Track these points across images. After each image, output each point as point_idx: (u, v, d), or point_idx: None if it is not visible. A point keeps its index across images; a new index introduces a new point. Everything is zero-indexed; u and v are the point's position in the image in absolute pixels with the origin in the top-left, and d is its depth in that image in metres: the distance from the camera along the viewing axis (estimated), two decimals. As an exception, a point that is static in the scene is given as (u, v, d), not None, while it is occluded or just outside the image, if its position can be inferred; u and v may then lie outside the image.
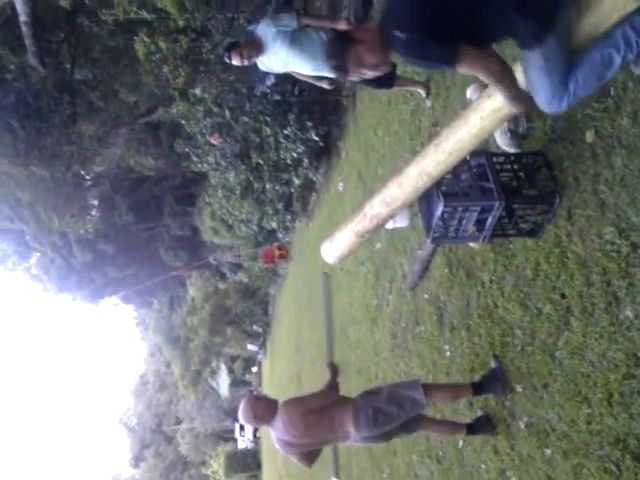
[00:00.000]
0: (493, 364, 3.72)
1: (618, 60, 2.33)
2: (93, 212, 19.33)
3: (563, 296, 3.08)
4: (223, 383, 25.82)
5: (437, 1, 2.19)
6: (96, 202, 19.37)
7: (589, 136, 2.91)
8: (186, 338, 24.33)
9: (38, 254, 22.15)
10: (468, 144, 2.81)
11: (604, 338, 2.74)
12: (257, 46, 4.68)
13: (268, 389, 24.97)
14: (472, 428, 3.81)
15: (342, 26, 4.63)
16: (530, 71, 2.34)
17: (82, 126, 13.37)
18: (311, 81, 5.17)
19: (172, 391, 35.08)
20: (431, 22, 2.17)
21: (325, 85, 5.12)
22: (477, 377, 3.87)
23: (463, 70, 2.30)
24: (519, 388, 3.45)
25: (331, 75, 4.51)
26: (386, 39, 2.33)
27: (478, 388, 3.71)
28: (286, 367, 17.58)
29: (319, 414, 3.63)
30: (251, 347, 24.01)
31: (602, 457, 2.70)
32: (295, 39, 4.67)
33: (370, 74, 2.48)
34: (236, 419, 28.12)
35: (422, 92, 5.46)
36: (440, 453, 4.66)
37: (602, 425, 2.72)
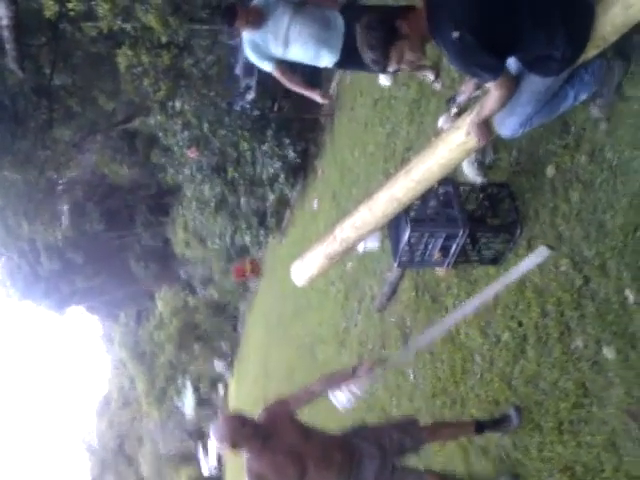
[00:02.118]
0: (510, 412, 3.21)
1: (571, 97, 2.48)
2: (63, 219, 19.07)
3: (520, 324, 3.16)
4: (188, 402, 25.32)
5: (494, 11, 2.21)
6: (67, 208, 19.12)
7: (550, 170, 3.02)
8: (152, 353, 23.90)
9: (3, 259, 21.76)
10: (436, 173, 2.90)
11: (556, 367, 2.82)
12: (257, 14, 4.01)
13: (234, 408, 24.63)
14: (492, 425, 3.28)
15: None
16: (524, 94, 2.42)
17: (58, 131, 13.26)
18: (302, 91, 4.62)
19: (135, 408, 34.26)
20: (486, 29, 2.19)
21: (317, 97, 4.66)
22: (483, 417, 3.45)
23: (496, 83, 2.33)
24: (477, 415, 3.51)
25: (329, 65, 4.16)
26: (434, 33, 2.27)
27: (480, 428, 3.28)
28: (252, 388, 17.42)
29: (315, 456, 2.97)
30: (218, 366, 23.70)
31: (552, 484, 2.77)
32: (298, 11, 4.04)
33: (405, 69, 2.42)
34: (199, 439, 27.61)
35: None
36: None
37: (552, 453, 2.79)
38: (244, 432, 2.88)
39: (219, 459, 25.70)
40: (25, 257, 19.82)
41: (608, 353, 2.52)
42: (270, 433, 2.95)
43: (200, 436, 26.53)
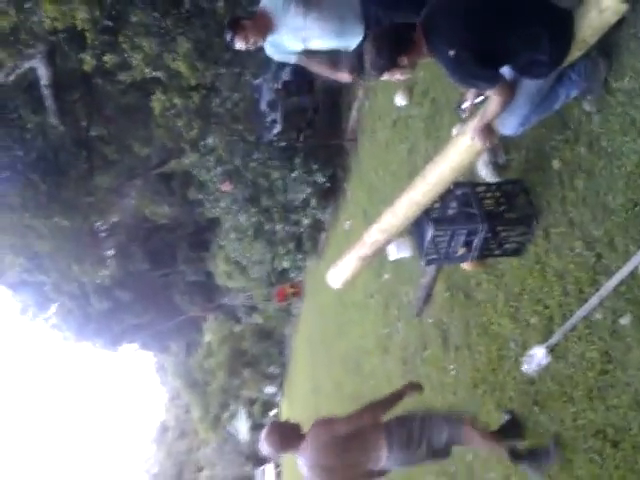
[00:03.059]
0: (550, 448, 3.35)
1: (563, 95, 2.79)
2: (109, 261, 19.87)
3: (546, 307, 3.43)
4: (242, 427, 25.77)
5: (482, 27, 2.54)
6: (112, 251, 19.93)
7: (555, 164, 3.31)
8: (204, 381, 24.48)
9: (57, 304, 22.64)
10: (449, 175, 3.23)
11: (582, 340, 3.08)
12: (266, 23, 3.73)
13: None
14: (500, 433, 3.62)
15: None
16: (520, 96, 2.75)
17: (99, 179, 14.02)
18: (328, 74, 4.37)
19: (192, 437, 34.93)
20: (478, 43, 2.52)
21: (345, 76, 4.23)
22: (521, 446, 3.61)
23: (493, 92, 2.65)
24: (514, 396, 3.75)
25: (354, 45, 3.89)
26: (433, 52, 2.60)
27: (516, 456, 3.48)
28: (304, 407, 17.68)
29: (351, 436, 3.37)
30: (269, 389, 24.10)
31: (587, 449, 3.00)
32: (311, 9, 3.76)
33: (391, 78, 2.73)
34: (258, 463, 27.88)
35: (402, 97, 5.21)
36: (453, 469, 4.90)
37: (585, 420, 3.03)
38: (284, 429, 3.45)
39: (277, 477, 25.86)
40: (76, 300, 20.63)
41: (624, 321, 2.78)
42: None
43: (257, 459, 26.78)
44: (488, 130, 2.83)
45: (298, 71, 10.48)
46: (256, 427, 26.01)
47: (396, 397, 3.62)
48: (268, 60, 9.67)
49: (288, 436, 3.45)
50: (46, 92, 9.73)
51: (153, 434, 45.27)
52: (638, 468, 2.62)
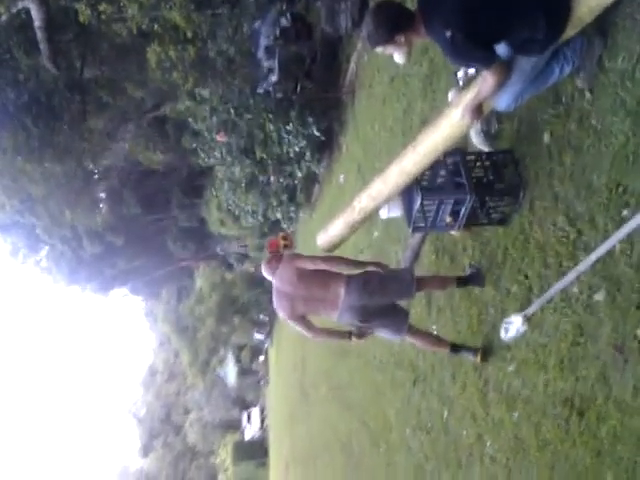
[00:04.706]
0: (471, 269, 4.18)
1: (557, 72, 2.80)
2: (102, 205, 19.83)
3: (526, 277, 3.52)
4: (231, 372, 26.42)
5: (479, 8, 2.54)
6: (105, 195, 19.86)
7: (546, 137, 3.33)
8: (194, 327, 24.90)
9: (48, 247, 22.69)
10: (440, 146, 3.26)
11: (557, 312, 3.18)
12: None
13: (274, 377, 25.55)
14: (464, 280, 4.17)
15: None
16: (514, 73, 2.76)
17: (92, 122, 13.83)
18: None
19: (180, 381, 35.78)
20: (474, 26, 2.53)
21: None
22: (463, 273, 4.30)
23: (489, 71, 2.67)
24: (490, 359, 3.90)
25: None
26: (430, 33, 2.63)
27: (463, 281, 4.17)
28: (292, 353, 18.09)
29: (316, 272, 3.90)
30: (258, 336, 24.56)
31: (555, 415, 3.15)
32: None
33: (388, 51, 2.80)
34: (244, 408, 28.73)
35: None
36: (429, 424, 5.11)
37: (555, 388, 3.17)
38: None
39: (262, 423, 26.69)
40: (68, 244, 20.70)
41: (598, 296, 2.87)
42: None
43: (243, 404, 27.59)
44: (479, 109, 2.85)
45: (297, 18, 10.26)
46: (244, 372, 26.67)
47: (361, 265, 4.12)
48: (267, 5, 9.48)
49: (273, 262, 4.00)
50: (39, 34, 9.48)
51: (141, 377, 46.21)
52: (600, 436, 2.76)
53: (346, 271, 3.96)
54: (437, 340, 4.33)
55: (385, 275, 3.96)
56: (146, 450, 44.36)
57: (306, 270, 3.89)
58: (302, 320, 4.03)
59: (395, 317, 4.03)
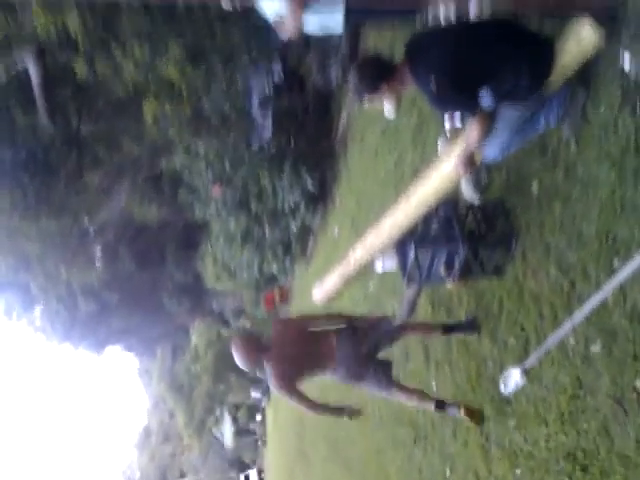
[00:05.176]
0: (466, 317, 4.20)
1: (542, 122, 2.86)
2: (97, 262, 19.77)
3: (522, 329, 3.48)
4: (227, 433, 25.74)
5: (464, 56, 2.64)
6: (100, 252, 19.81)
7: (535, 187, 3.37)
8: (190, 386, 24.43)
9: (42, 306, 22.49)
10: (431, 199, 3.29)
11: (554, 364, 3.13)
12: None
13: (272, 436, 24.88)
14: (449, 329, 4.23)
15: None
16: (500, 123, 2.81)
17: (88, 178, 13.95)
18: None
19: (176, 442, 34.78)
20: (459, 73, 2.61)
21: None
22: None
23: (474, 120, 2.73)
24: (491, 414, 3.80)
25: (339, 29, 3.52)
26: (415, 80, 2.72)
27: (448, 329, 4.23)
28: (290, 412, 17.66)
29: (305, 333, 3.94)
30: (255, 394, 24.05)
31: (558, 471, 3.05)
32: None
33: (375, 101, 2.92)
34: (241, 469, 27.83)
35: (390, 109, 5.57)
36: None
37: (557, 442, 3.08)
38: (250, 344, 3.89)
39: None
40: (63, 302, 20.51)
41: (595, 348, 2.83)
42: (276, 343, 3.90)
43: (241, 465, 26.78)
44: (470, 161, 2.89)
45: (289, 72, 10.53)
46: (241, 432, 25.99)
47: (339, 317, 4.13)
48: (259, 61, 9.72)
49: (252, 346, 3.91)
50: (37, 91, 9.69)
51: (135, 439, 45.04)
52: (606, 493, 2.67)
53: (329, 326, 4.01)
54: (423, 396, 4.28)
55: (367, 325, 4.04)
56: (141, 515, 42.72)
57: (295, 334, 3.93)
58: (296, 391, 3.95)
59: (384, 367, 4.07)
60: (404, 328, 4.17)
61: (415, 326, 4.46)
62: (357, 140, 8.89)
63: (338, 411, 4.19)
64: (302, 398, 3.97)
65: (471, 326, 4.07)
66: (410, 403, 4.33)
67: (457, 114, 3.35)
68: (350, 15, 3.63)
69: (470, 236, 3.64)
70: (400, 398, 4.20)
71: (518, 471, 3.47)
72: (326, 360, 3.86)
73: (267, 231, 11.66)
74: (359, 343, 3.85)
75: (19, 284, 19.49)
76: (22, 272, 16.98)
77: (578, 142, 2.97)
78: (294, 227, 11.37)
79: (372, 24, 5.44)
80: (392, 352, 6.27)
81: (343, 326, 3.98)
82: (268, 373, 3.87)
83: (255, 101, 10.35)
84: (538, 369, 3.27)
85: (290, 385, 3.89)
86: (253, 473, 27.03)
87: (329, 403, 4.34)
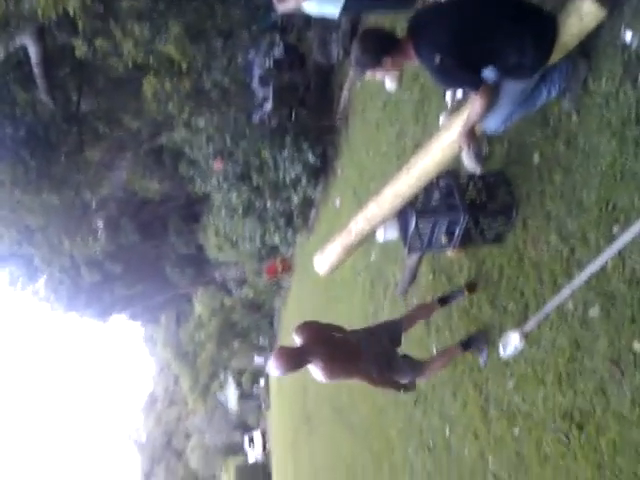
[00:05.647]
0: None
1: (544, 94, 2.91)
2: (100, 234, 19.89)
3: (522, 294, 3.59)
4: (231, 396, 26.31)
5: (468, 33, 2.67)
6: (103, 224, 19.93)
7: (536, 158, 3.44)
8: (194, 352, 24.85)
9: (46, 276, 22.73)
10: (432, 169, 3.36)
11: (553, 328, 3.25)
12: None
13: (276, 401, 25.39)
14: (445, 299, 4.40)
15: None
16: (503, 96, 2.87)
17: (89, 154, 13.96)
18: None
19: (181, 406, 35.59)
20: (463, 50, 2.65)
21: None
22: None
23: (477, 94, 2.77)
24: (490, 376, 3.95)
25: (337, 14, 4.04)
26: (419, 57, 2.75)
27: (444, 300, 4.40)
28: (293, 378, 18.00)
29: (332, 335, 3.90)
30: (258, 360, 24.49)
31: (555, 430, 3.20)
32: None
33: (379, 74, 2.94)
34: (245, 431, 28.47)
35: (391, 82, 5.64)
36: (431, 443, 5.13)
37: (554, 402, 3.22)
38: (296, 359, 3.67)
39: (264, 447, 26.43)
40: (66, 272, 20.71)
41: (593, 312, 2.94)
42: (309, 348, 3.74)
43: (245, 427, 27.36)
44: (472, 133, 2.95)
45: (290, 48, 10.47)
46: (245, 396, 26.50)
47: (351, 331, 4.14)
48: (259, 36, 9.68)
49: (294, 356, 3.71)
50: (36, 70, 9.65)
51: (141, 404, 45.95)
52: (601, 449, 2.81)
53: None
54: (449, 351, 4.36)
55: (376, 327, 4.15)
56: (148, 476, 43.88)
57: (324, 334, 3.86)
58: (353, 373, 3.89)
59: (407, 356, 4.06)
60: (408, 319, 4.24)
61: (416, 314, 4.46)
62: (358, 113, 8.89)
63: (397, 385, 4.03)
64: (362, 376, 3.87)
65: (461, 293, 4.30)
66: (445, 364, 4.41)
67: (460, 89, 3.40)
68: (349, 5, 3.76)
69: (471, 205, 3.73)
70: (435, 370, 4.27)
71: (516, 430, 3.62)
72: (356, 359, 3.83)
73: (268, 203, 11.71)
74: (379, 341, 3.92)
75: (23, 255, 19.64)
76: (25, 244, 17.09)
77: (579, 113, 3.03)
78: (296, 199, 11.43)
79: (370, 13, 5.47)
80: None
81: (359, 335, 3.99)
82: (319, 368, 3.73)
83: (256, 76, 10.33)
84: (537, 333, 3.39)
85: (345, 370, 3.83)
86: (257, 435, 27.68)
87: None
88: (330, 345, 3.76)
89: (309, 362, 3.71)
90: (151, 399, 43.73)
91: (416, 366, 4.04)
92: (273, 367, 3.66)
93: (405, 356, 4.04)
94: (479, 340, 4.08)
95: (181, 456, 38.02)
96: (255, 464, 28.63)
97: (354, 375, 3.86)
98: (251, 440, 28.11)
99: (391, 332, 4.05)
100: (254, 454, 28.39)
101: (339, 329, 4.05)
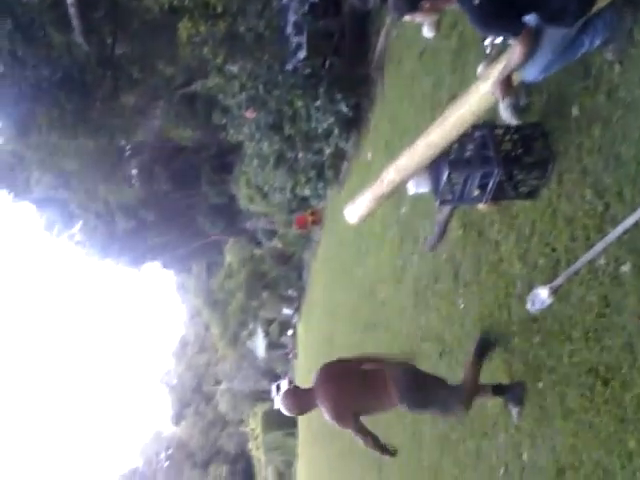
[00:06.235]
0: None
1: (586, 44, 2.80)
2: (134, 181, 20.18)
3: (553, 250, 3.55)
4: (260, 345, 26.97)
5: None
6: (136, 171, 20.20)
7: (575, 110, 3.34)
8: (224, 301, 25.37)
9: (81, 222, 23.28)
10: (468, 119, 3.30)
11: (583, 284, 3.22)
12: None
13: (303, 351, 25.93)
14: (500, 389, 3.91)
15: None
16: (544, 44, 2.77)
17: (123, 99, 14.04)
18: None
19: (211, 353, 36.69)
20: None
21: None
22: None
23: (517, 41, 2.68)
24: (517, 331, 3.95)
25: None
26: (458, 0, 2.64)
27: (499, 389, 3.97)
28: (319, 329, 18.31)
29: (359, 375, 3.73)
30: (286, 311, 24.93)
31: (579, 385, 3.21)
32: None
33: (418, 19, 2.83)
34: (273, 379, 29.28)
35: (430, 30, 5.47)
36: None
37: (580, 358, 3.22)
38: (302, 397, 3.71)
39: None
40: (101, 218, 21.19)
41: (625, 268, 2.90)
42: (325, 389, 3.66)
43: (272, 375, 28.14)
44: (508, 83, 2.87)
45: (325, -7, 10.21)
46: (273, 346, 27.12)
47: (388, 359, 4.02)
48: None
49: (301, 397, 3.75)
50: (72, 11, 9.65)
51: (173, 349, 47.43)
52: (624, 404, 2.82)
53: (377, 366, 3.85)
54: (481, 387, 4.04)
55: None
56: (178, 418, 45.74)
57: (345, 372, 3.76)
58: (352, 424, 3.70)
59: (445, 388, 3.86)
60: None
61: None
62: (394, 63, 8.70)
63: (382, 448, 3.88)
64: (358, 431, 3.71)
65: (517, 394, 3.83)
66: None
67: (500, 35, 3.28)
68: None
69: (506, 158, 3.66)
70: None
71: (540, 384, 3.65)
72: (384, 396, 3.68)
73: (300, 154, 11.67)
74: (414, 379, 3.71)
75: (59, 200, 20.11)
76: (61, 189, 17.47)
77: (622, 64, 2.92)
78: (327, 151, 11.35)
79: None
80: (421, 275, 6.48)
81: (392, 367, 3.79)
82: (324, 412, 3.67)
83: (290, 22, 10.13)
84: (566, 288, 3.36)
85: (346, 419, 3.67)
86: (284, 383, 28.48)
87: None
88: (346, 382, 3.65)
89: (316, 406, 3.65)
90: (182, 344, 45.14)
91: (455, 404, 3.79)
92: (281, 405, 3.73)
93: (441, 386, 3.81)
94: (515, 391, 3.78)
95: (210, 400, 39.49)
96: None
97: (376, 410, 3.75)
98: (278, 388, 28.93)
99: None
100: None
101: (374, 359, 3.90)
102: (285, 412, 3.81)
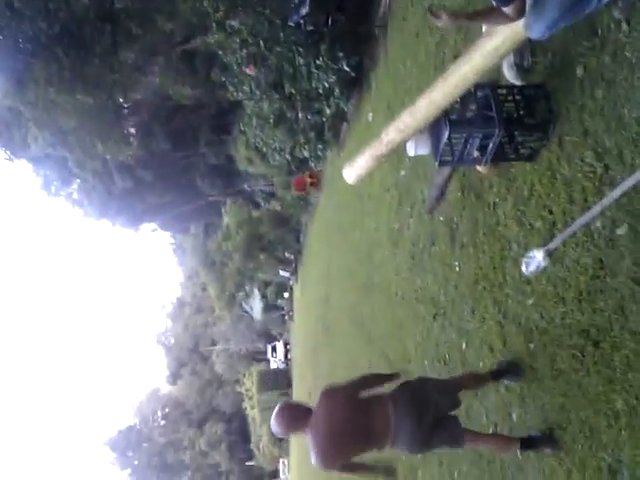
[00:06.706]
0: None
1: (594, 1, 2.73)
2: (132, 139, 19.97)
3: (551, 212, 3.55)
4: (256, 307, 27.25)
5: None
6: (135, 130, 19.97)
7: (579, 71, 3.28)
8: (221, 262, 25.47)
9: (79, 180, 23.11)
10: (471, 78, 3.24)
11: (579, 247, 3.23)
12: None
13: (299, 313, 26.18)
14: (529, 442, 3.50)
15: None
16: (553, 0, 2.70)
17: (122, 55, 13.80)
18: None
19: (208, 314, 37.07)
20: None
21: None
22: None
23: (507, 9, 2.62)
24: (510, 293, 3.98)
25: None
26: None
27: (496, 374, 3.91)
28: (316, 291, 18.44)
29: (359, 399, 3.46)
30: (283, 273, 25.06)
31: (570, 346, 3.25)
32: None
33: None
34: (268, 341, 29.68)
35: None
36: (447, 356, 5.28)
37: (572, 320, 3.25)
38: (297, 416, 3.43)
39: (286, 354, 27.61)
40: (99, 177, 21.06)
41: (620, 231, 2.91)
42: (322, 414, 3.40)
43: (268, 337, 28.52)
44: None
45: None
46: (269, 307, 27.36)
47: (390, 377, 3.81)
48: None
49: (296, 416, 3.45)
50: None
51: (170, 310, 47.84)
52: (614, 365, 2.86)
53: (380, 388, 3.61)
54: (503, 438, 3.80)
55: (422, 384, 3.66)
56: (174, 377, 46.51)
57: (342, 404, 3.39)
58: (339, 467, 3.43)
59: (451, 425, 3.50)
60: (456, 383, 3.80)
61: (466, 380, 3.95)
62: (398, 20, 8.52)
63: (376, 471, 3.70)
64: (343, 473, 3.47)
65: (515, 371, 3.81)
66: (493, 450, 3.93)
67: None
68: None
69: (507, 119, 3.62)
70: (477, 446, 3.89)
71: (532, 345, 3.69)
72: (382, 435, 3.35)
73: (300, 114, 11.54)
74: (420, 412, 3.35)
75: (57, 158, 19.93)
76: (59, 146, 17.29)
77: (630, 23, 2.86)
78: (328, 111, 11.22)
79: None
80: (418, 238, 6.49)
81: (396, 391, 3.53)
82: (310, 446, 3.39)
83: (293, -27, 9.86)
84: (562, 251, 3.37)
85: (331, 464, 3.40)
86: (279, 345, 28.92)
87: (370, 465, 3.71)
88: (344, 419, 3.32)
89: (305, 431, 3.37)
90: (179, 304, 45.53)
91: (459, 442, 3.48)
92: (273, 422, 3.45)
93: (447, 425, 3.48)
94: (540, 442, 3.44)
95: (207, 360, 40.09)
96: (276, 369, 30.09)
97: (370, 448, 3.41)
98: (274, 349, 29.40)
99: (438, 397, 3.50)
100: (276, 362, 29.78)
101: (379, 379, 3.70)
102: (274, 429, 3.50)
